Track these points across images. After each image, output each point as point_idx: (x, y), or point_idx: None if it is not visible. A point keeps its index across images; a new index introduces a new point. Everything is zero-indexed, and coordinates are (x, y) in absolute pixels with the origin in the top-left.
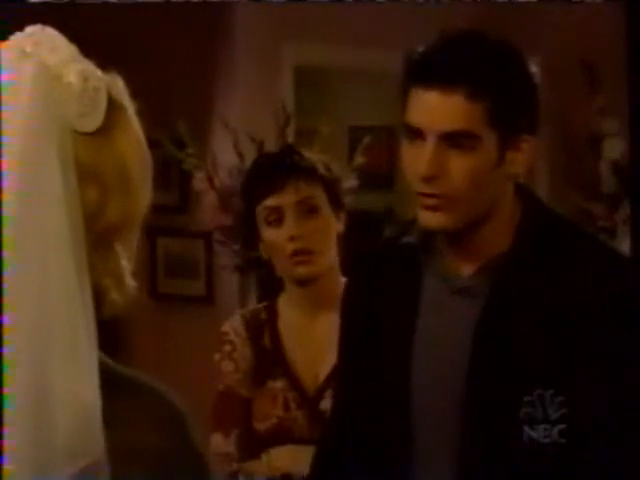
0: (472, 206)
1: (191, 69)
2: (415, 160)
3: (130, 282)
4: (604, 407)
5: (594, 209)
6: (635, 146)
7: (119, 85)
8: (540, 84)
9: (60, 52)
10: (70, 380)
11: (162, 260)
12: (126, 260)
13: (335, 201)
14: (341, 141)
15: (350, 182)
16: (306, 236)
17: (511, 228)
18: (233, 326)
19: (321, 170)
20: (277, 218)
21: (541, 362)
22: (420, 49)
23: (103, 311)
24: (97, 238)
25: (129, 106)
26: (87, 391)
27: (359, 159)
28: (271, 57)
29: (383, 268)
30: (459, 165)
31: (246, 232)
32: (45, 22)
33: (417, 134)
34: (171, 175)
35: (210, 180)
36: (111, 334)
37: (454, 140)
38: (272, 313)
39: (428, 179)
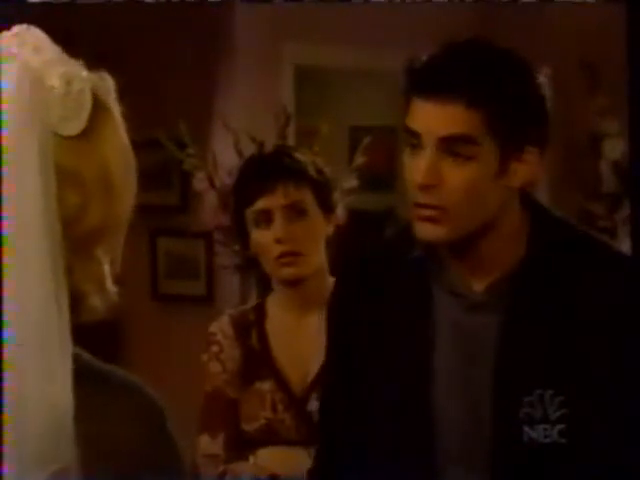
0: (469, 218)
1: (191, 69)
2: (414, 169)
3: (111, 287)
4: (604, 407)
5: (594, 209)
6: (635, 147)
7: (107, 84)
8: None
9: (43, 53)
10: (42, 385)
11: (163, 260)
12: (108, 265)
13: (325, 204)
14: (341, 141)
15: (350, 182)
16: (293, 239)
17: (520, 239)
18: (221, 327)
19: (311, 173)
20: (265, 220)
21: (541, 362)
22: (421, 58)
23: (82, 316)
24: (77, 242)
25: (115, 108)
26: (59, 396)
27: (359, 159)
28: (271, 57)
29: (382, 275)
30: (457, 175)
31: (237, 232)
32: (45, 22)
33: (416, 139)
34: (171, 175)
35: (210, 180)
36: (112, 334)
37: (452, 147)
38: (260, 314)
39: (425, 187)
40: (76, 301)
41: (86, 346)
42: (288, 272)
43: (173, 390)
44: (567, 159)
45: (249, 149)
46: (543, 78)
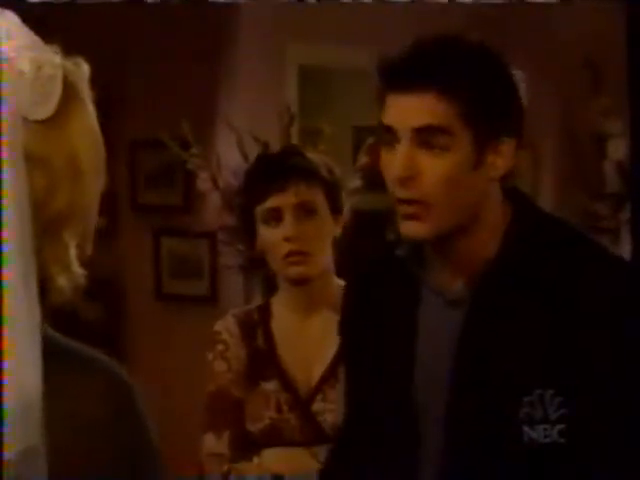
0: (451, 212)
1: (195, 69)
2: (391, 164)
3: (77, 270)
4: (604, 407)
5: (598, 209)
6: (636, 147)
7: (81, 71)
8: (536, 72)
9: (16, 39)
10: (11, 365)
11: (166, 260)
12: (74, 248)
13: (334, 204)
14: (345, 141)
15: (354, 182)
16: (302, 238)
17: (501, 232)
18: (226, 326)
19: (323, 173)
20: (275, 218)
21: (541, 362)
22: (393, 55)
23: (51, 297)
24: (45, 225)
25: (87, 94)
26: (28, 376)
27: (363, 159)
28: (275, 57)
29: (382, 276)
30: (434, 166)
31: (244, 230)
32: (45, 22)
33: (391, 134)
34: (175, 175)
35: (214, 180)
36: (116, 333)
37: (427, 139)
38: (265, 313)
39: (403, 181)
40: (44, 282)
41: (90, 345)
42: (295, 271)
43: (176, 390)
44: (571, 159)
45: (253, 149)
46: (517, 72)
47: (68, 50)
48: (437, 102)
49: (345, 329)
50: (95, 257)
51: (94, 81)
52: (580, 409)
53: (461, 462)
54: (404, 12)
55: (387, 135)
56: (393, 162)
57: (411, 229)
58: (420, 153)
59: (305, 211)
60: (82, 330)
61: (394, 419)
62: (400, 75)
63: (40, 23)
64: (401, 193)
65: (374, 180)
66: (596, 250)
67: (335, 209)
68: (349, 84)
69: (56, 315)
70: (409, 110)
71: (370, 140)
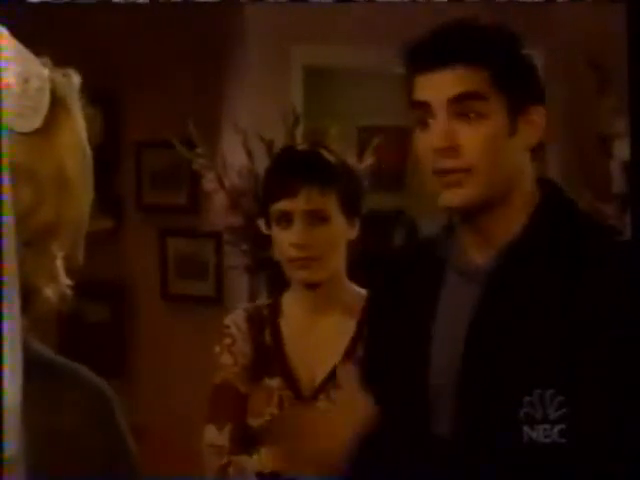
0: (491, 180)
1: (201, 70)
2: (429, 140)
3: (64, 280)
4: (604, 407)
5: (604, 209)
6: (636, 147)
7: (71, 82)
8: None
9: (2, 52)
10: None
11: (172, 260)
12: (61, 260)
13: (351, 208)
14: (350, 142)
15: None
16: (310, 245)
17: (528, 216)
18: (235, 320)
19: (340, 177)
20: (286, 220)
21: (541, 361)
22: (416, 40)
23: (36, 308)
24: (31, 236)
25: (75, 106)
26: (7, 388)
27: (369, 160)
28: (280, 58)
29: (408, 263)
30: (472, 135)
31: (260, 229)
32: (45, 22)
33: (426, 110)
34: (181, 175)
35: (220, 180)
36: (121, 334)
37: (463, 108)
38: (275, 310)
39: (444, 151)
40: (29, 293)
41: (95, 346)
42: (301, 275)
43: (181, 390)
44: (577, 160)
45: (258, 149)
46: (532, 52)
47: (72, 51)
48: (467, 72)
49: (370, 315)
50: (101, 258)
51: (100, 82)
52: (580, 409)
53: (466, 450)
54: (408, 12)
55: (420, 112)
56: (430, 135)
57: (454, 197)
58: (457, 123)
59: (316, 218)
60: (88, 330)
61: (407, 402)
62: (427, 55)
63: (41, 23)
64: (443, 163)
65: (380, 181)
66: (616, 245)
67: (351, 213)
68: (354, 84)
69: (60, 317)
70: (442, 84)
71: (376, 140)
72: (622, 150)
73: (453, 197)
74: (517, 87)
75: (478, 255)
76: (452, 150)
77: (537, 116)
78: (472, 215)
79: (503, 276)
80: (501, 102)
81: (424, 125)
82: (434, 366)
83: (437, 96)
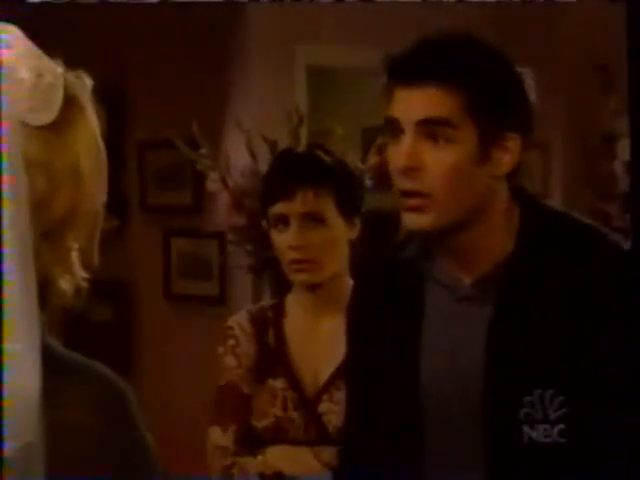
0: (455, 205)
1: (204, 70)
2: (395, 155)
3: (79, 273)
4: (604, 407)
5: (608, 209)
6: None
7: (84, 84)
8: (539, 85)
9: (16, 48)
10: (9, 364)
11: (176, 260)
12: (77, 252)
13: (349, 208)
14: (354, 142)
15: (363, 183)
16: (307, 247)
17: (509, 231)
18: (238, 321)
19: (337, 179)
20: (283, 223)
21: (542, 362)
22: (398, 51)
23: (52, 300)
24: (47, 228)
25: (89, 106)
26: (26, 374)
27: (372, 160)
28: (284, 58)
29: (387, 275)
30: (438, 158)
31: (263, 230)
32: (51, 22)
33: (396, 126)
34: (185, 176)
35: (223, 181)
36: (125, 334)
37: (432, 131)
38: (279, 311)
39: (407, 171)
40: (45, 285)
41: (100, 345)
42: (299, 278)
43: (185, 390)
44: (581, 159)
45: (262, 150)
46: (526, 70)
47: (76, 51)
48: (440, 95)
49: (350, 329)
50: (105, 258)
51: (104, 82)
52: (580, 409)
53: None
54: (412, 12)
55: (392, 128)
56: (397, 152)
57: (414, 221)
58: (424, 145)
59: (312, 220)
60: (92, 330)
61: (398, 417)
62: (405, 69)
63: (40, 23)
64: (404, 184)
65: (384, 181)
66: (603, 242)
67: (350, 214)
68: (358, 85)
69: (66, 317)
70: (413, 103)
71: (379, 140)
72: (626, 150)
73: (415, 220)
74: (493, 114)
75: (460, 273)
76: (414, 171)
77: (513, 144)
78: (444, 236)
79: (512, 292)
80: (472, 131)
81: (396, 139)
82: (424, 378)
83: (407, 115)
